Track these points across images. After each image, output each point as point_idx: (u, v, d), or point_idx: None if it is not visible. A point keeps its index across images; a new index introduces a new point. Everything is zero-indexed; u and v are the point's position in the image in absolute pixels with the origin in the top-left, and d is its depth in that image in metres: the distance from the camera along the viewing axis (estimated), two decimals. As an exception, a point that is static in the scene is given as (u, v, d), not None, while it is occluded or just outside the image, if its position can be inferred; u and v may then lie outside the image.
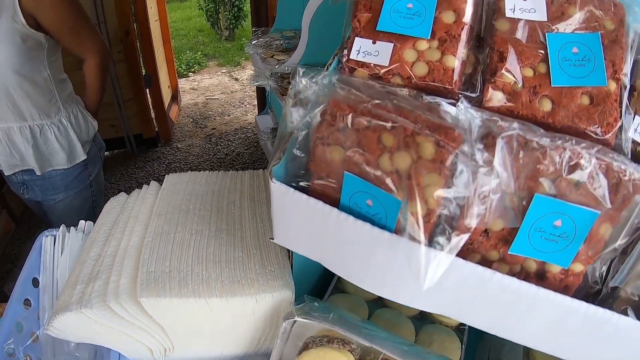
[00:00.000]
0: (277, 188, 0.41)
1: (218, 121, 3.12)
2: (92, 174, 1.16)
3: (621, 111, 0.40)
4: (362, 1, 0.48)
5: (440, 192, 0.32)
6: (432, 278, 0.32)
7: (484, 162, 0.30)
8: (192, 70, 4.33)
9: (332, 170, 0.38)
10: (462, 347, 0.60)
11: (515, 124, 0.32)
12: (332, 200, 0.39)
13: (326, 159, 0.38)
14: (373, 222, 0.36)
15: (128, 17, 2.07)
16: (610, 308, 0.35)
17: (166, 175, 0.73)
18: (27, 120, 1.03)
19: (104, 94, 1.15)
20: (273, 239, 0.45)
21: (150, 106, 2.44)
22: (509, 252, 0.35)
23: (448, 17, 0.45)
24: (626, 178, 0.33)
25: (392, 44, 0.45)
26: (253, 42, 1.27)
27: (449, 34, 0.45)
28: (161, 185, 0.71)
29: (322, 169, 0.39)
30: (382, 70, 0.45)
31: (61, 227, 0.67)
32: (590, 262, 0.36)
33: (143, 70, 2.29)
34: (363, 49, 0.47)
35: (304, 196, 0.38)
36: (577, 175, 0.32)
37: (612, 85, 0.41)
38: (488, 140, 0.32)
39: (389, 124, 0.33)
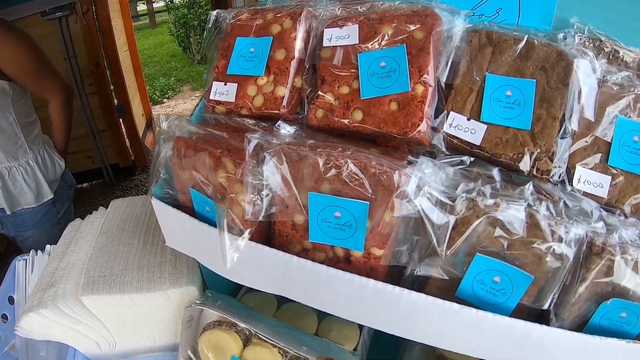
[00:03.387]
0: (156, 204, 0.67)
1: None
2: (60, 211, 1.44)
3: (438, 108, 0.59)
4: (221, 51, 0.73)
5: (242, 197, 0.57)
6: (232, 259, 0.56)
7: (258, 172, 0.55)
8: (167, 96, 4.91)
9: (186, 187, 0.64)
10: (360, 334, 0.83)
11: (288, 140, 0.56)
12: (191, 208, 0.64)
13: (181, 179, 0.64)
14: (210, 222, 0.61)
15: (97, 49, 2.42)
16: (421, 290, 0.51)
17: (112, 201, 1.01)
18: (-4, 163, 1.30)
19: (70, 131, 1.45)
20: (166, 242, 0.70)
21: (125, 135, 2.78)
22: (309, 241, 0.57)
23: (280, 55, 0.70)
24: (379, 171, 0.51)
25: (237, 84, 0.70)
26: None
27: (280, 69, 0.69)
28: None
29: (181, 187, 0.65)
30: (231, 106, 0.70)
31: (31, 252, 0.96)
32: (383, 247, 0.55)
33: (115, 101, 2.63)
34: (218, 90, 0.73)
35: (172, 209, 0.64)
36: (337, 173, 0.52)
37: (419, 89, 0.60)
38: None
39: (206, 152, 0.59)
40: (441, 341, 0.54)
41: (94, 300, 0.79)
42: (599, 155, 0.62)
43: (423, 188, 0.48)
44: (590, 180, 0.62)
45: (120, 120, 2.77)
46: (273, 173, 0.53)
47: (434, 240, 0.49)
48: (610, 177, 0.61)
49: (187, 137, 0.61)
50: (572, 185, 0.61)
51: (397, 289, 0.50)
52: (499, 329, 0.51)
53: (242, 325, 0.71)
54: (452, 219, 0.49)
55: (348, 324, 0.86)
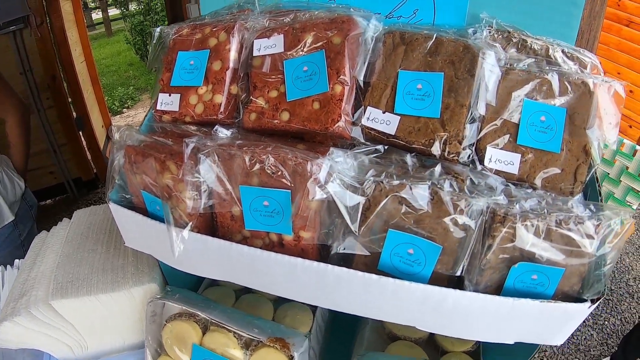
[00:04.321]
0: (114, 207, 0.77)
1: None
2: (23, 233, 1.50)
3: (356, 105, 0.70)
4: (165, 65, 0.83)
5: (185, 195, 0.67)
6: (179, 249, 0.67)
7: (196, 172, 0.65)
8: (126, 105, 5.06)
9: (138, 190, 0.74)
10: (313, 318, 0.95)
11: (220, 142, 0.67)
12: (144, 209, 0.74)
13: (133, 184, 0.74)
14: (162, 220, 0.71)
15: (53, 62, 2.48)
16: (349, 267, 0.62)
17: (75, 211, 1.09)
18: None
19: (29, 149, 1.53)
20: (125, 243, 0.79)
21: (86, 148, 2.83)
22: (245, 229, 0.68)
23: (216, 65, 0.80)
24: (295, 163, 0.63)
25: (180, 94, 0.80)
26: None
27: (217, 78, 0.80)
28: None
29: (134, 190, 0.75)
30: (175, 114, 0.80)
31: (0, 267, 1.03)
32: (309, 230, 0.66)
33: (74, 114, 2.68)
34: (164, 101, 0.83)
35: (128, 211, 0.75)
36: (262, 167, 0.64)
37: (337, 89, 0.71)
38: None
39: (152, 157, 0.69)
40: (367, 310, 0.66)
41: (63, 304, 0.90)
42: (507, 136, 0.73)
43: (333, 174, 0.59)
44: (500, 159, 0.73)
45: (80, 133, 2.83)
46: (208, 171, 0.63)
47: (348, 220, 0.61)
48: (519, 155, 0.72)
49: (137, 145, 0.72)
50: (484, 165, 0.72)
51: (323, 264, 0.61)
52: (416, 295, 0.62)
53: (200, 314, 0.82)
54: (362, 200, 0.60)
55: (301, 310, 0.98)
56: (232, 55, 0.82)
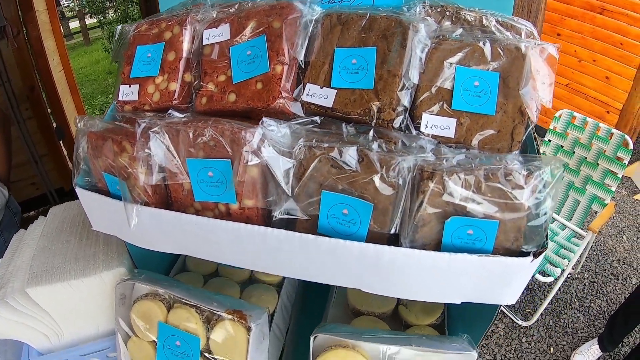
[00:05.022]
0: (80, 192, 0.84)
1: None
2: (8, 240, 1.55)
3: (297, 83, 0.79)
4: (126, 59, 0.90)
5: (139, 170, 0.74)
6: (134, 221, 0.74)
7: (148, 148, 0.72)
8: None
9: (101, 174, 0.81)
10: (278, 297, 1.03)
11: (169, 120, 0.74)
12: (107, 192, 0.82)
13: (96, 168, 0.81)
14: (120, 198, 0.78)
15: (30, 73, 2.56)
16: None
17: (50, 208, 1.19)
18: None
19: (11, 156, 1.58)
20: (92, 227, 0.86)
21: (67, 158, 2.89)
22: (195, 201, 0.76)
23: (171, 56, 0.89)
24: (232, 133, 0.71)
25: (139, 85, 0.87)
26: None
27: (171, 68, 0.88)
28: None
29: (97, 174, 0.82)
30: (135, 104, 0.87)
31: None
32: (252, 197, 0.75)
33: (54, 124, 2.75)
34: (125, 92, 0.91)
35: (93, 194, 0.84)
36: (204, 140, 0.72)
37: (278, 69, 0.81)
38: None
39: (110, 139, 0.76)
40: (309, 273, 0.75)
41: (38, 292, 0.99)
42: (442, 103, 0.80)
43: (265, 140, 0.66)
44: (436, 124, 0.79)
45: (61, 142, 2.89)
46: (158, 147, 0.71)
47: (283, 184, 0.68)
48: (455, 119, 0.78)
49: (97, 131, 0.78)
50: (420, 131, 0.79)
51: (263, 228, 0.70)
52: (352, 253, 0.70)
53: (165, 293, 0.89)
54: (294, 163, 0.67)
55: (267, 291, 1.07)
56: (185, 46, 0.90)
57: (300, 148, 0.69)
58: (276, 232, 0.70)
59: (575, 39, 3.67)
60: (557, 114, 2.62)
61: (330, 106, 0.78)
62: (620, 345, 2.44)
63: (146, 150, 0.73)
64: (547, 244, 0.67)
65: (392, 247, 0.67)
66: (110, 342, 1.07)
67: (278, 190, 0.73)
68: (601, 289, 2.79)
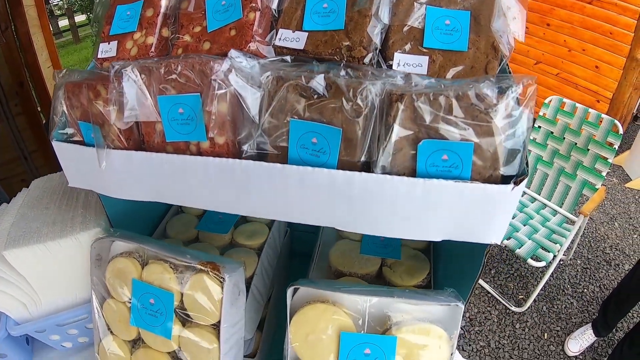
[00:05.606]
0: (57, 145, 0.83)
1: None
2: None
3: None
4: (106, 19, 0.91)
5: (111, 109, 0.73)
6: (104, 163, 0.74)
7: (121, 89, 0.72)
8: None
9: (77, 124, 0.80)
10: (258, 260, 1.02)
11: (141, 61, 0.74)
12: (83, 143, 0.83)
13: (73, 119, 0.80)
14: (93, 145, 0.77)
15: (19, 69, 2.55)
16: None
17: (33, 180, 1.21)
18: None
19: None
20: (69, 183, 0.85)
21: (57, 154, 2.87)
22: (167, 141, 0.75)
23: (149, 12, 0.89)
24: (201, 65, 0.71)
25: (117, 41, 0.87)
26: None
27: (149, 23, 0.88)
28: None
29: (74, 126, 0.81)
30: (114, 59, 0.86)
31: None
32: (223, 134, 0.73)
33: (43, 119, 2.73)
34: (104, 50, 0.92)
35: (69, 144, 0.83)
36: (175, 76, 0.71)
37: (251, 15, 0.81)
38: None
39: (85, 85, 0.75)
40: (277, 210, 0.73)
41: (16, 255, 0.96)
42: (414, 42, 0.78)
43: (233, 70, 0.65)
44: (408, 62, 0.77)
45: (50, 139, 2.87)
46: (131, 87, 0.70)
47: (251, 113, 0.67)
48: (427, 57, 0.76)
49: (74, 80, 0.78)
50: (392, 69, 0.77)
51: (232, 160, 0.69)
52: (322, 183, 0.68)
53: (139, 249, 0.88)
54: (262, 93, 0.66)
55: (247, 254, 1.06)
56: (163, 2, 0.91)
57: (268, 77, 0.68)
58: (244, 163, 0.68)
59: (565, 28, 3.69)
60: (546, 100, 2.63)
61: (302, 48, 0.77)
62: (614, 330, 2.42)
63: (119, 91, 0.72)
64: (527, 171, 0.65)
65: (363, 173, 0.65)
66: (87, 310, 1.05)
67: (247, 125, 0.72)
68: (594, 275, 2.78)
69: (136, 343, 0.94)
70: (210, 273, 0.81)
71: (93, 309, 0.96)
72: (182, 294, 0.85)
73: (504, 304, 2.61)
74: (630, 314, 2.52)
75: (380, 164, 0.68)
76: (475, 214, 0.67)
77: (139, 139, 0.80)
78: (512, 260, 2.88)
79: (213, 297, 0.82)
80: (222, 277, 0.82)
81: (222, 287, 0.82)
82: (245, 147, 0.72)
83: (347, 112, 0.68)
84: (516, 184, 0.63)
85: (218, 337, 0.84)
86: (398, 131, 0.67)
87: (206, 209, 0.76)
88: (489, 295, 2.67)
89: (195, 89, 0.71)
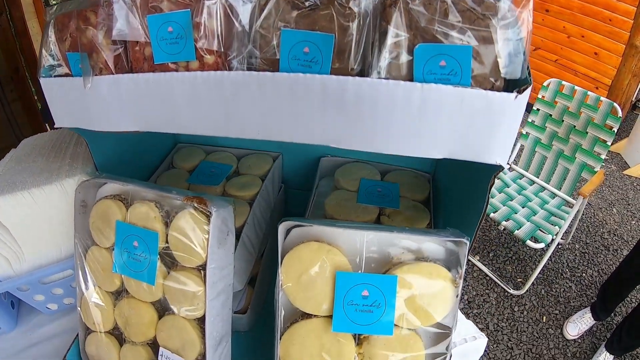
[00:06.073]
0: (43, 82, 0.80)
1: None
2: None
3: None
4: None
5: (104, 42, 0.68)
6: (89, 85, 0.69)
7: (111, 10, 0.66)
8: None
9: (66, 57, 0.76)
10: (249, 210, 0.98)
11: None
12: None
13: (62, 52, 0.75)
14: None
15: (15, 54, 2.48)
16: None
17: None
18: None
19: None
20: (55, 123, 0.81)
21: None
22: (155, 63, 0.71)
23: None
24: None
25: None
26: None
27: None
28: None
29: (63, 59, 0.78)
30: None
31: None
32: (211, 53, 0.68)
33: (39, 105, 2.67)
34: None
35: (56, 79, 0.78)
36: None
37: None
38: None
39: (76, 13, 0.70)
40: (267, 129, 0.67)
41: None
42: None
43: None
44: None
45: (46, 124, 2.81)
46: (120, 8, 0.68)
47: (241, 25, 0.61)
48: None
49: (64, 11, 0.74)
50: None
51: (219, 72, 0.64)
52: (314, 88, 0.62)
53: (125, 190, 0.84)
54: (252, 4, 0.61)
55: (238, 204, 1.00)
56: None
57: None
58: (233, 74, 0.63)
59: (564, 14, 3.65)
60: (545, 83, 2.58)
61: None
62: (612, 314, 2.37)
63: (109, 13, 0.68)
64: (530, 80, 0.60)
65: (357, 77, 0.59)
66: (72, 265, 0.99)
67: (237, 42, 0.67)
68: (592, 260, 2.73)
69: (120, 295, 0.88)
70: (197, 206, 0.75)
71: (76, 260, 0.90)
72: (167, 235, 0.80)
73: (502, 287, 2.54)
74: (628, 299, 2.47)
75: (374, 70, 0.63)
76: (477, 126, 0.61)
77: (127, 67, 0.75)
78: (511, 244, 2.82)
79: (199, 235, 0.76)
80: (208, 211, 0.76)
81: (209, 223, 0.76)
82: (234, 63, 0.67)
83: (340, 18, 0.63)
84: (519, 92, 0.58)
85: (205, 281, 0.78)
86: (393, 35, 0.61)
87: (194, 133, 0.70)
88: (487, 278, 2.60)
89: (185, 4, 0.66)
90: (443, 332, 0.76)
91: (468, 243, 0.73)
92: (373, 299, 0.74)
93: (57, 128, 0.85)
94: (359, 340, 0.77)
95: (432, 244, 0.75)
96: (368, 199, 0.99)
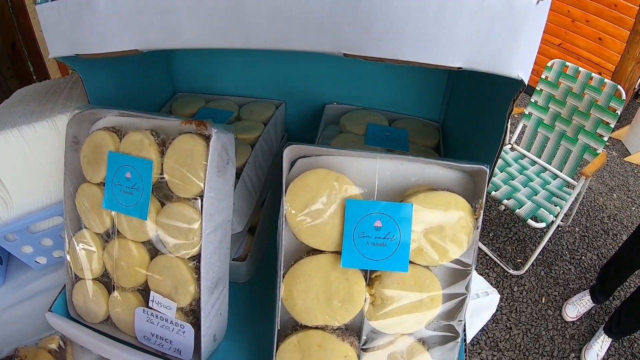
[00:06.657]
0: (39, 8, 0.74)
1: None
2: None
3: None
4: None
5: None
6: None
7: None
8: None
9: None
10: (251, 150, 0.92)
11: None
12: None
13: None
14: None
15: (12, 30, 2.38)
16: None
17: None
18: None
19: None
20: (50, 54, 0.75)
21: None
22: None
23: None
24: None
25: None
26: None
27: None
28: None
29: None
30: None
31: None
32: None
33: (37, 82, 2.59)
34: None
35: (53, 3, 0.70)
36: None
37: None
38: None
39: None
40: (274, 34, 0.61)
41: None
42: None
43: None
44: None
45: (44, 101, 2.74)
46: None
47: None
48: None
49: None
50: None
51: None
52: None
53: (118, 120, 0.77)
54: None
55: (240, 146, 0.93)
56: None
57: None
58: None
59: (569, -1, 3.60)
60: (548, 64, 2.53)
61: None
62: (611, 298, 2.32)
63: None
64: None
65: None
66: (62, 211, 0.92)
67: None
68: (592, 243, 2.67)
69: (110, 237, 0.79)
70: (196, 129, 0.68)
71: (65, 201, 0.82)
72: (162, 164, 0.72)
73: (502, 267, 2.48)
74: (627, 282, 2.41)
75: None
76: (497, 31, 0.55)
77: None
78: (511, 224, 2.76)
79: (197, 160, 0.68)
80: (208, 134, 0.68)
81: (208, 147, 0.68)
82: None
83: None
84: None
85: (202, 212, 0.70)
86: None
87: (196, 46, 0.63)
88: (487, 257, 2.54)
89: None
90: (463, 270, 0.68)
91: (488, 171, 0.66)
92: (387, 230, 0.66)
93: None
94: (369, 280, 0.69)
95: (450, 172, 0.68)
96: (376, 142, 0.92)
